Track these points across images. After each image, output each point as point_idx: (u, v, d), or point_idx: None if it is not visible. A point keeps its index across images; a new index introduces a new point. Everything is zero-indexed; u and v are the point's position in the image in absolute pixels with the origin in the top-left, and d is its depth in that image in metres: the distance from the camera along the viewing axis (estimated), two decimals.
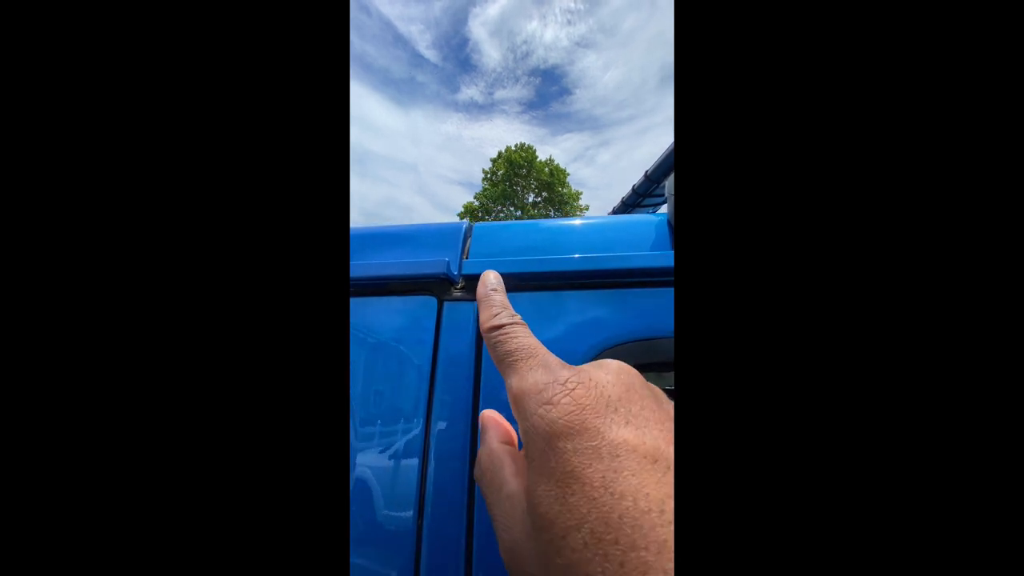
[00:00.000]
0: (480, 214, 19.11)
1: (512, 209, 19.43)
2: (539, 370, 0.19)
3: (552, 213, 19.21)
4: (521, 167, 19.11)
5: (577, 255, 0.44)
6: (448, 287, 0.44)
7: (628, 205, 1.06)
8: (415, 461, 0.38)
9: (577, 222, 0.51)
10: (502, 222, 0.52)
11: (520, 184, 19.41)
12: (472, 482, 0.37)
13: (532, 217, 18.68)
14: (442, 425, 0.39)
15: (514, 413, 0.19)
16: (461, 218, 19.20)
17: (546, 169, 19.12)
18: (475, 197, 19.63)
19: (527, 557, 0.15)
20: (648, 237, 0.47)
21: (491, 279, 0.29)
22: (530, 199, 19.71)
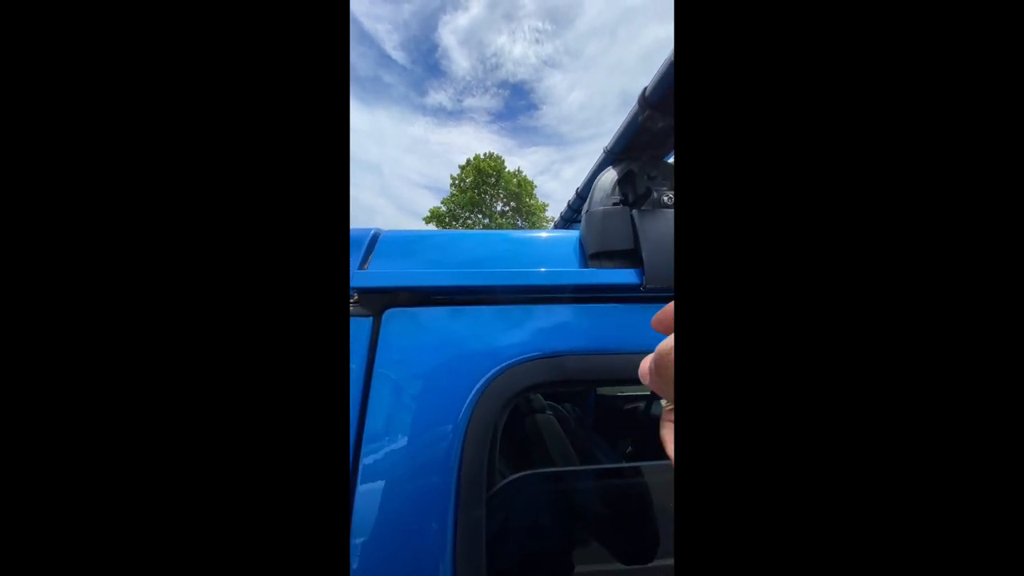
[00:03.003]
0: (448, 220, 18.93)
1: (480, 216, 19.42)
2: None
3: (520, 223, 19.36)
4: (490, 176, 19.18)
5: (484, 271, 0.43)
6: None
7: (566, 220, 1.09)
8: None
9: (499, 236, 0.50)
10: (418, 231, 0.51)
11: (489, 192, 19.46)
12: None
13: (500, 226, 18.76)
14: None
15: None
16: (427, 223, 18.93)
17: (515, 180, 19.30)
18: (443, 202, 19.44)
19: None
20: (559, 254, 0.47)
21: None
22: (499, 208, 19.79)
